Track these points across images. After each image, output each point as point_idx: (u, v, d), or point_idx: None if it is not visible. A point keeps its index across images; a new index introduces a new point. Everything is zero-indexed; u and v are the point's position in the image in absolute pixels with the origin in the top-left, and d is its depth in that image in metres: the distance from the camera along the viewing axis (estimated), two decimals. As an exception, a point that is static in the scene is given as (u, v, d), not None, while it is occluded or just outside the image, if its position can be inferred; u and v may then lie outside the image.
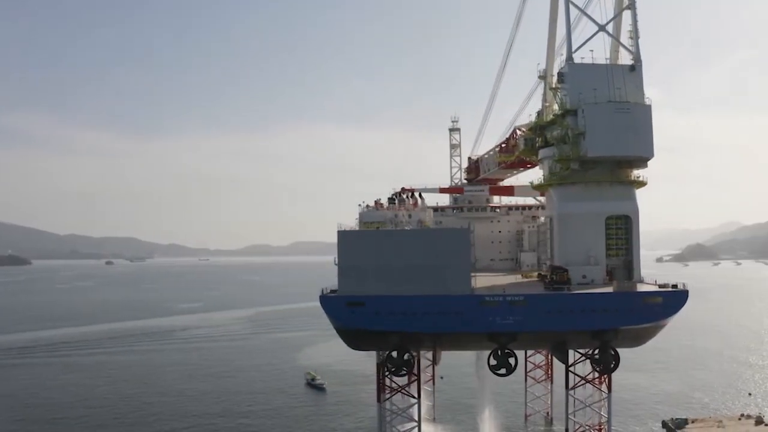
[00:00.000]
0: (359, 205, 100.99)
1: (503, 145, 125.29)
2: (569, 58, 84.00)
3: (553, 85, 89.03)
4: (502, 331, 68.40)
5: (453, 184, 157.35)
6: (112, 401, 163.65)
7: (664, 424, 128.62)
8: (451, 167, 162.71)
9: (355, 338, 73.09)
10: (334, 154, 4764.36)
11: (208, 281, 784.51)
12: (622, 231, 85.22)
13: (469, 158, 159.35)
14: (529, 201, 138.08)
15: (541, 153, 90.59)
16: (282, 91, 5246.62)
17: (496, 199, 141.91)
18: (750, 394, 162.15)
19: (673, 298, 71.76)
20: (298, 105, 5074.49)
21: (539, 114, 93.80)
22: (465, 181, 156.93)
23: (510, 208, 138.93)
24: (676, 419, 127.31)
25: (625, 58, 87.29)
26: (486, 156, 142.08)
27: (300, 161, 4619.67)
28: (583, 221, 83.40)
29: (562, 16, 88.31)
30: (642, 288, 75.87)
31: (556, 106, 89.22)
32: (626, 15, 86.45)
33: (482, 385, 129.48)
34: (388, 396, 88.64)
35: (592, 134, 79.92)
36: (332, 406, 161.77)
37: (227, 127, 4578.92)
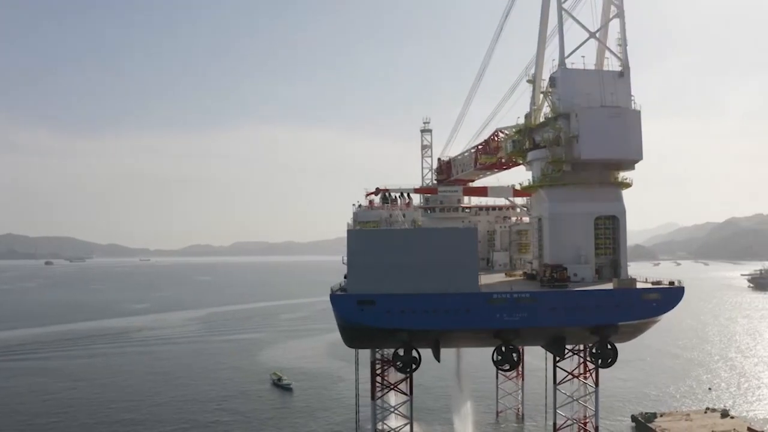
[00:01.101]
0: (353, 204, 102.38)
1: (479, 147, 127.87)
2: (562, 63, 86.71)
3: (544, 89, 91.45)
4: (508, 327, 70.45)
5: (424, 184, 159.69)
6: (70, 407, 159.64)
7: (634, 419, 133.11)
8: (422, 168, 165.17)
9: (362, 336, 74.26)
10: (278, 154, 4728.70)
11: (154, 282, 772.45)
12: (610, 231, 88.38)
13: (439, 159, 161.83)
14: (500, 202, 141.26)
15: (530, 155, 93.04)
16: (227, 91, 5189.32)
17: (466, 200, 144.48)
18: (710, 388, 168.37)
19: (670, 295, 75.01)
20: (241, 106, 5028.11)
21: (527, 117, 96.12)
22: (435, 182, 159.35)
23: (480, 208, 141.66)
24: (646, 413, 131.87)
25: (609, 64, 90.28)
26: (459, 157, 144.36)
27: (242, 162, 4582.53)
28: (574, 221, 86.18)
29: (552, 23, 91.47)
30: (639, 285, 78.68)
31: (546, 110, 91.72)
32: (614, 23, 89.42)
33: (459, 383, 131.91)
34: (380, 394, 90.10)
35: (586, 137, 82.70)
36: (302, 406, 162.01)
37: (169, 127, 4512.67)
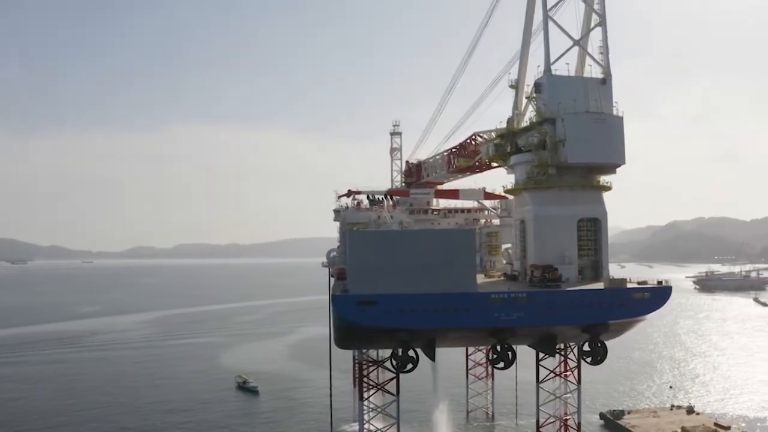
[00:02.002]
0: (344, 206, 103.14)
1: (454, 150, 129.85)
2: (548, 69, 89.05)
3: (528, 95, 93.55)
4: (505, 326, 72.15)
5: (393, 187, 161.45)
6: (26, 415, 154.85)
7: (602, 416, 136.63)
8: (392, 170, 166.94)
9: (361, 336, 75.05)
10: (223, 155, 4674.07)
11: (101, 284, 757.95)
12: (592, 233, 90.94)
13: (408, 162, 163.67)
14: (468, 204, 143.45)
15: (514, 159, 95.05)
16: (175, 90, 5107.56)
17: (435, 203, 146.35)
18: (671, 387, 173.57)
19: (659, 294, 77.84)
20: (188, 105, 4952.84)
21: (509, 121, 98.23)
22: (404, 185, 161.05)
23: (449, 210, 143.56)
24: (614, 411, 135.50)
25: (591, 72, 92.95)
26: (431, 160, 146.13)
27: (187, 162, 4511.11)
28: (558, 223, 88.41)
29: (536, 30, 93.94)
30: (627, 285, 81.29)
31: (530, 114, 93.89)
32: (596, 31, 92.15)
33: (436, 384, 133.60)
34: (368, 394, 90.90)
35: (572, 142, 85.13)
36: (269, 408, 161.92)
37: (113, 127, 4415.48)
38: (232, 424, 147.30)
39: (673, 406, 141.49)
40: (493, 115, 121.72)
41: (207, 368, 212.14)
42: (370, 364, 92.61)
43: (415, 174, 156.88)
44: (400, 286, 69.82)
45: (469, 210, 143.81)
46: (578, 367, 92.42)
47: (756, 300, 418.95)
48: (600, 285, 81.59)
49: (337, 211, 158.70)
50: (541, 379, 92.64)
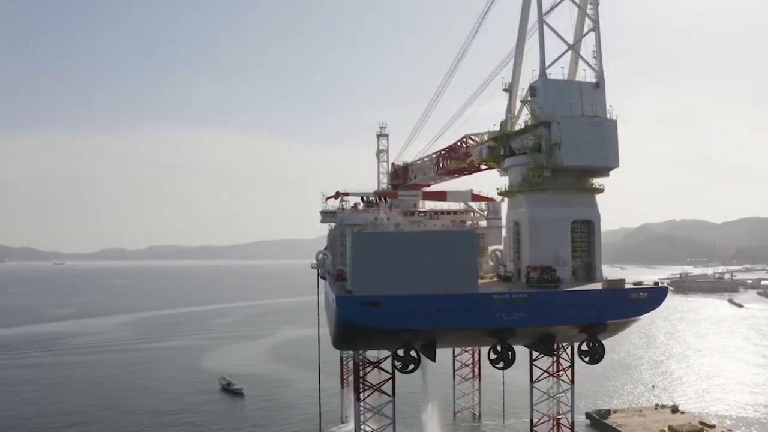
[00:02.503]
0: (333, 208, 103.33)
1: (443, 152, 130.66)
2: (543, 74, 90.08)
3: (523, 98, 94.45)
4: (507, 326, 72.93)
5: (380, 188, 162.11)
6: (4, 420, 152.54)
7: (588, 416, 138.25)
8: (378, 172, 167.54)
9: (364, 337, 75.32)
10: (196, 156, 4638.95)
11: (74, 286, 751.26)
12: (585, 234, 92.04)
13: (394, 164, 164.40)
14: (454, 206, 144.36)
15: (509, 161, 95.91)
16: (149, 91, 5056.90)
17: (421, 204, 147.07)
18: (653, 386, 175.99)
19: (655, 294, 79.12)
20: (163, 107, 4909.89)
21: (502, 124, 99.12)
22: (389, 186, 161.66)
23: (435, 212, 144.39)
24: (600, 410, 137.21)
25: (582, 76, 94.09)
26: (419, 162, 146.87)
27: (158, 164, 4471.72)
28: (553, 225, 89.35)
29: (527, 35, 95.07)
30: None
31: (524, 118, 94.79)
32: (590, 36, 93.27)
33: (425, 385, 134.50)
34: (364, 395, 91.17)
35: (568, 145, 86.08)
36: (255, 410, 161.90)
37: (85, 127, 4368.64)
38: (218, 427, 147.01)
39: (657, 405, 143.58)
40: (481, 117, 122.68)
41: (189, 371, 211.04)
42: (367, 365, 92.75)
43: (401, 176, 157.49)
44: (403, 287, 70.28)
45: (455, 212, 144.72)
46: (572, 366, 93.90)
47: (730, 301, 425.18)
48: (598, 285, 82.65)
49: (324, 213, 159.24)
50: (534, 378, 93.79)
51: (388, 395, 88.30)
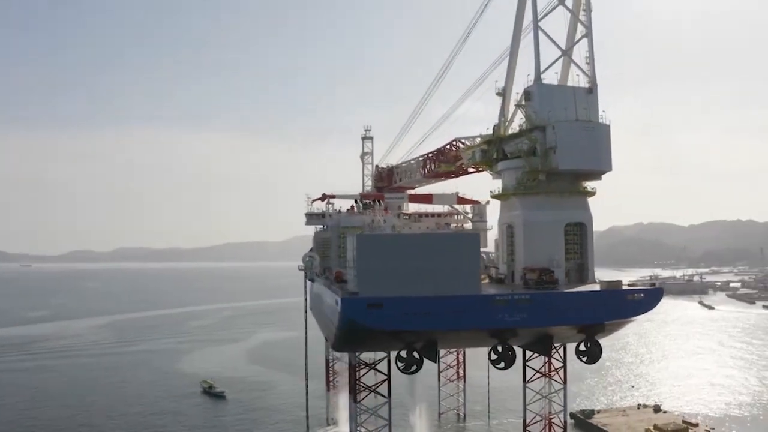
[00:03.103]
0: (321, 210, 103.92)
1: (430, 156, 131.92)
2: (538, 78, 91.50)
3: (517, 102, 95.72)
4: (508, 327, 74.06)
5: (364, 191, 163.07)
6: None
7: (573, 415, 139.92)
8: (363, 175, 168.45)
9: (366, 339, 75.90)
10: (163, 158, 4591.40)
11: (45, 288, 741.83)
12: (578, 237, 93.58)
13: (377, 166, 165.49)
14: (438, 208, 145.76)
15: (502, 165, 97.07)
16: (114, 94, 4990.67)
17: (406, 207, 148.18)
18: (633, 386, 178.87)
19: (651, 295, 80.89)
20: (130, 108, 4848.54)
21: (495, 128, 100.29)
22: (374, 189, 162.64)
23: (420, 215, 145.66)
24: (584, 410, 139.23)
25: (575, 81, 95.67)
26: (404, 165, 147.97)
27: (125, 165, 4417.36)
28: (547, 228, 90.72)
29: (520, 40, 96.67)
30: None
31: (518, 122, 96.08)
32: (583, 42, 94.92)
33: (412, 386, 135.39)
34: (356, 397, 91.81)
35: (563, 149, 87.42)
36: (239, 413, 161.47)
37: (51, 128, 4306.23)
38: (201, 431, 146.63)
39: (640, 405, 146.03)
40: (467, 120, 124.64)
41: (169, 374, 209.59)
42: (363, 366, 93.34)
43: (386, 178, 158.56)
44: (407, 289, 71.05)
45: (439, 214, 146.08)
46: (564, 366, 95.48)
47: (701, 303, 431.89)
48: (595, 287, 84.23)
49: (309, 215, 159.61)
50: (528, 379, 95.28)
51: (384, 396, 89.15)
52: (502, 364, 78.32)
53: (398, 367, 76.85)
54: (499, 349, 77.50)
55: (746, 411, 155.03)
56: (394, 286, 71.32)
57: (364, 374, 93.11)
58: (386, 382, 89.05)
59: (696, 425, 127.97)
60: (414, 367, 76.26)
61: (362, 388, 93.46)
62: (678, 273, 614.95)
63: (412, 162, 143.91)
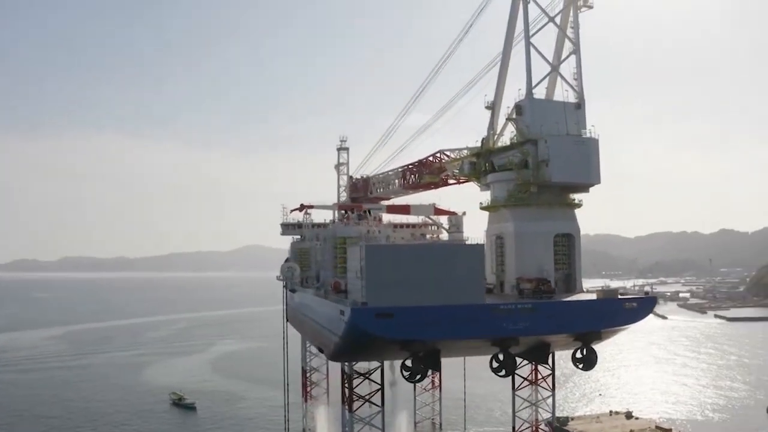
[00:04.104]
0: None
1: (411, 167, 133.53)
2: (530, 93, 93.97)
3: (508, 116, 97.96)
4: (511, 336, 75.73)
5: (339, 201, 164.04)
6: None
7: (548, 423, 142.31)
8: (338, 185, 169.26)
9: (373, 348, 76.74)
10: (109, 165, 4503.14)
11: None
12: (566, 248, 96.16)
13: (351, 177, 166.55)
14: (413, 219, 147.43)
15: (491, 177, 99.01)
16: (62, 98, 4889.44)
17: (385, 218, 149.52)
18: (600, 394, 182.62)
19: (645, 304, 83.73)
20: (77, 113, 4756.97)
21: (484, 141, 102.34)
22: (349, 200, 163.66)
23: (396, 226, 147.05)
24: (559, 417, 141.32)
25: (564, 96, 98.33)
26: (382, 176, 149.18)
27: (70, 172, 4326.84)
28: (537, 239, 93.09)
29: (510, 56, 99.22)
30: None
31: (509, 135, 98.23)
32: (571, 58, 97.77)
33: (394, 396, 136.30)
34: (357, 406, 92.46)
35: (556, 162, 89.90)
36: (210, 425, 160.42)
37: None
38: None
39: (611, 411, 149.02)
40: (446, 132, 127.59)
41: (135, 386, 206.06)
42: (356, 376, 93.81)
43: (362, 189, 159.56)
44: (413, 299, 72.27)
45: (414, 225, 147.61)
46: (552, 374, 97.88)
47: (654, 313, 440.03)
48: (585, 296, 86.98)
49: (285, 225, 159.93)
50: (516, 386, 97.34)
51: (378, 406, 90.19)
52: (503, 372, 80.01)
53: (403, 376, 77.89)
54: (500, 357, 79.16)
55: (714, 416, 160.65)
56: (401, 296, 72.48)
57: (358, 384, 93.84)
58: (380, 391, 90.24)
59: (669, 430, 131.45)
60: (419, 376, 77.47)
61: (356, 398, 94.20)
62: (629, 283, 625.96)
63: (389, 173, 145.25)
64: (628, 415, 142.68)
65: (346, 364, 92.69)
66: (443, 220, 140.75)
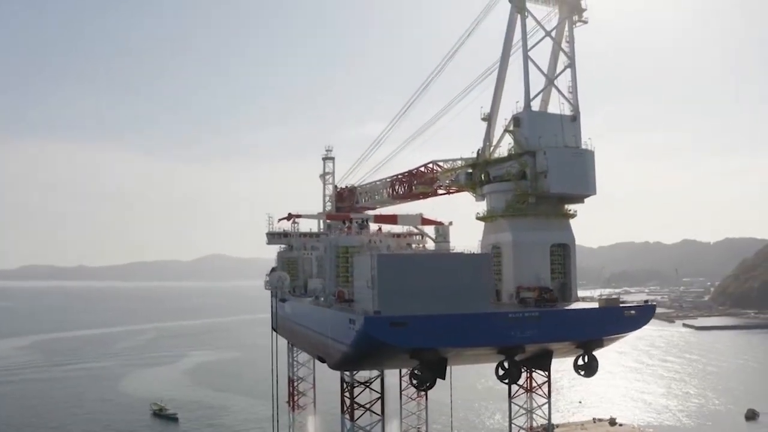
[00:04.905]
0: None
1: (400, 177, 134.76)
2: (528, 106, 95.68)
3: (506, 128, 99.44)
4: (519, 344, 77.00)
5: (324, 210, 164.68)
6: None
7: (534, 430, 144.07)
8: (324, 195, 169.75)
9: (384, 356, 77.49)
10: (67, 172, 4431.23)
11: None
12: (561, 257, 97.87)
13: (336, 186, 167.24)
14: (398, 229, 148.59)
15: (488, 188, 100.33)
16: (15, 104, 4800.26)
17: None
18: (580, 402, 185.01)
19: (645, 312, 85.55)
20: (33, 119, 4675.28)
21: (480, 152, 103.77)
22: (335, 209, 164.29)
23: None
24: (545, 425, 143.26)
25: (559, 108, 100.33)
26: (369, 185, 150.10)
27: (28, 180, 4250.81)
28: (534, 249, 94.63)
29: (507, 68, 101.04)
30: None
31: (506, 146, 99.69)
32: (566, 71, 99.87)
33: (383, 405, 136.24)
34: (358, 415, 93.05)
35: (554, 173, 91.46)
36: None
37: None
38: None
39: (595, 419, 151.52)
40: (432, 143, 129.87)
41: (114, 397, 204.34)
42: (357, 385, 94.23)
43: (347, 199, 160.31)
44: (424, 307, 73.15)
45: (397, 235, 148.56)
46: (548, 381, 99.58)
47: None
48: (581, 304, 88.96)
49: (271, 234, 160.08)
50: (513, 394, 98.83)
51: (378, 415, 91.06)
52: (508, 380, 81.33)
53: (413, 384, 78.81)
54: (506, 365, 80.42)
55: (695, 422, 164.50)
56: (412, 305, 73.36)
57: (359, 393, 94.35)
58: (380, 400, 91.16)
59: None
60: (428, 384, 78.25)
61: (356, 407, 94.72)
62: (595, 293, 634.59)
63: (377, 182, 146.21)
64: (612, 422, 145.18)
65: (347, 373, 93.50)
66: (429, 229, 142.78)
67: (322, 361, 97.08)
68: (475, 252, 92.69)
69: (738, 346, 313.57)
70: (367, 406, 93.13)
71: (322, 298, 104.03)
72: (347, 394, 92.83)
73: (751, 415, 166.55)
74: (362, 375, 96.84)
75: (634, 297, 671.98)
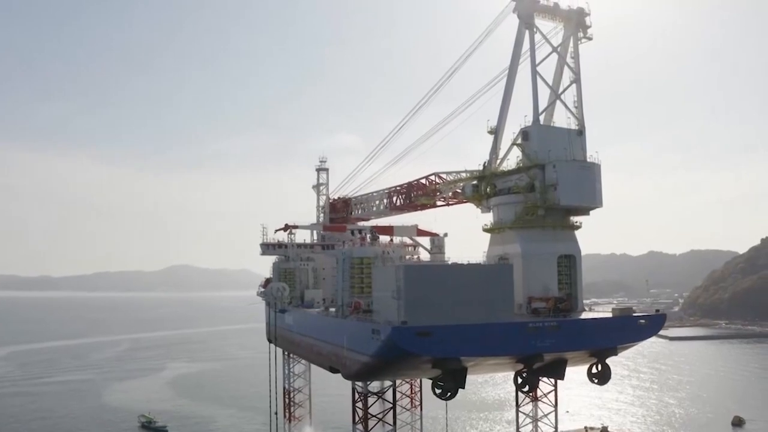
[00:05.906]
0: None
1: (399, 188, 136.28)
2: (536, 120, 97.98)
3: (514, 141, 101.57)
4: (538, 353, 78.87)
5: (319, 222, 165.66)
6: None
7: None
8: (318, 206, 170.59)
9: (408, 366, 78.82)
10: (29, 180, 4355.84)
11: None
12: (567, 268, 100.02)
13: (328, 197, 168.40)
14: (386, 239, 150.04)
15: (496, 200, 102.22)
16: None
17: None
18: (567, 411, 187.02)
19: (656, 321, 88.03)
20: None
21: (486, 165, 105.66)
22: (330, 220, 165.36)
23: None
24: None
25: (566, 123, 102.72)
26: (365, 197, 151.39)
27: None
28: (543, 260, 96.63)
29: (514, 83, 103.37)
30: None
31: (514, 159, 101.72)
32: (572, 86, 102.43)
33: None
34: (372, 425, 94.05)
35: (564, 186, 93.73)
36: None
37: None
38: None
39: (586, 427, 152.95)
40: (428, 156, 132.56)
41: (98, 409, 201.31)
42: (369, 395, 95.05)
43: (342, 210, 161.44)
44: (448, 317, 74.80)
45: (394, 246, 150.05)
46: (555, 390, 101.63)
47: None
48: (587, 314, 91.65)
49: (265, 245, 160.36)
50: (519, 402, 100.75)
51: (390, 425, 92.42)
52: (526, 388, 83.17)
53: (435, 393, 79.90)
54: (524, 374, 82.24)
55: (682, 429, 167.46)
56: (436, 315, 74.99)
57: (372, 404, 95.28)
58: (392, 410, 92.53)
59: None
60: (449, 393, 79.51)
61: (362, 417, 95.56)
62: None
63: (373, 194, 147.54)
64: (604, 430, 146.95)
65: (359, 384, 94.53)
66: (424, 241, 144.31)
67: (335, 371, 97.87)
68: (482, 263, 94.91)
69: (713, 356, 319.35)
70: (381, 416, 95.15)
71: (333, 309, 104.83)
72: (360, 404, 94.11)
73: (738, 422, 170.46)
74: (373, 386, 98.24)
75: (603, 308, 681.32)
